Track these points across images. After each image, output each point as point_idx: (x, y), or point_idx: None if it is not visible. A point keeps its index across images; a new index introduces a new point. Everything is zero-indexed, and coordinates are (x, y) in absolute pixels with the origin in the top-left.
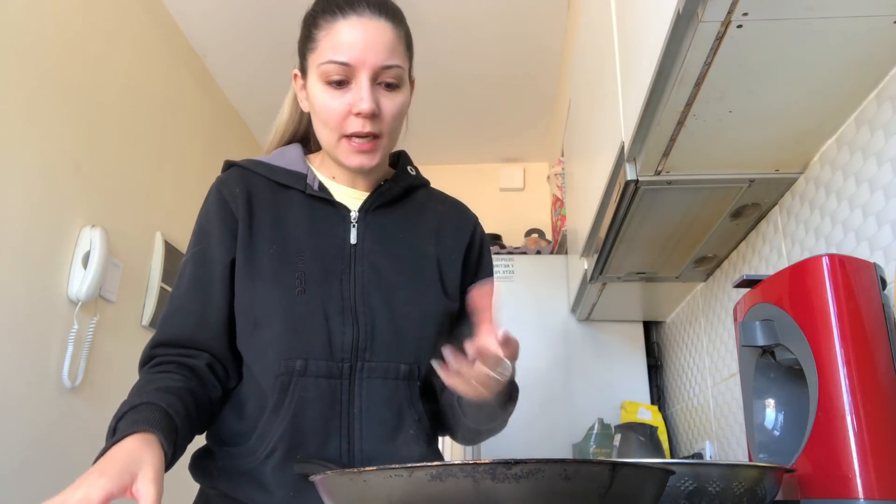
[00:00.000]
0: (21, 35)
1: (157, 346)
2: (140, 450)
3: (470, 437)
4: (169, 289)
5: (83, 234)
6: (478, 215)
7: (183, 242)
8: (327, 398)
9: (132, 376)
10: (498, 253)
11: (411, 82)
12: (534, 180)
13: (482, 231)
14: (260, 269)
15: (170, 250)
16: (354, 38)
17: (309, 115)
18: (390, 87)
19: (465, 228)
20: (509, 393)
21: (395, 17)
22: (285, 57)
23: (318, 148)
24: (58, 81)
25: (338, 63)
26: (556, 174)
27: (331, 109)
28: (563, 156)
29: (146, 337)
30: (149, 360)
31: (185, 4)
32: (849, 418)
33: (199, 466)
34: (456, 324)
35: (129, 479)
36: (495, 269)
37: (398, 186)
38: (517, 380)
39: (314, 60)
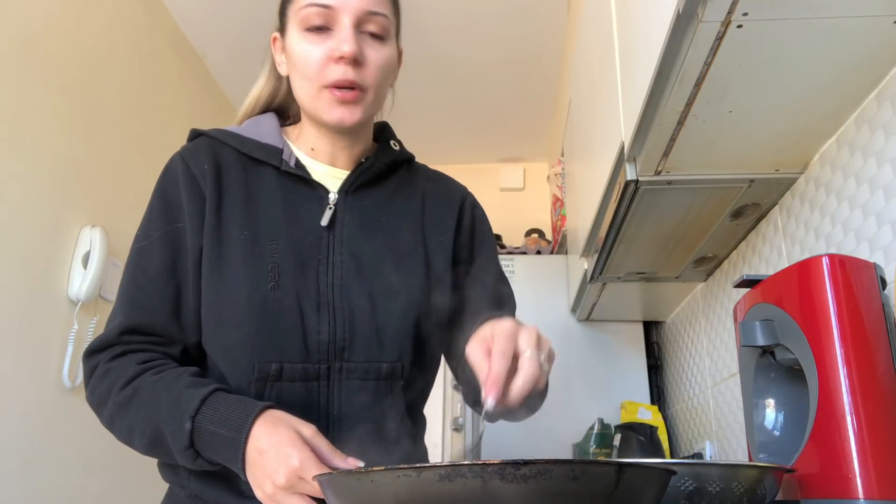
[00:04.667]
0: (21, 35)
1: (126, 333)
2: (277, 421)
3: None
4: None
5: (83, 234)
6: None
7: None
8: (304, 403)
9: None
10: (498, 253)
11: (399, 51)
12: (534, 180)
13: (473, 203)
14: (229, 259)
15: None
16: None
17: (287, 84)
18: (375, 37)
19: (453, 205)
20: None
21: None
22: None
23: (296, 121)
24: (58, 81)
25: (318, 5)
26: (556, 174)
27: (310, 56)
28: (563, 156)
29: None
30: (110, 345)
31: (185, 5)
32: (849, 418)
33: (168, 468)
34: (454, 316)
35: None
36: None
37: (381, 163)
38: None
39: (294, 8)
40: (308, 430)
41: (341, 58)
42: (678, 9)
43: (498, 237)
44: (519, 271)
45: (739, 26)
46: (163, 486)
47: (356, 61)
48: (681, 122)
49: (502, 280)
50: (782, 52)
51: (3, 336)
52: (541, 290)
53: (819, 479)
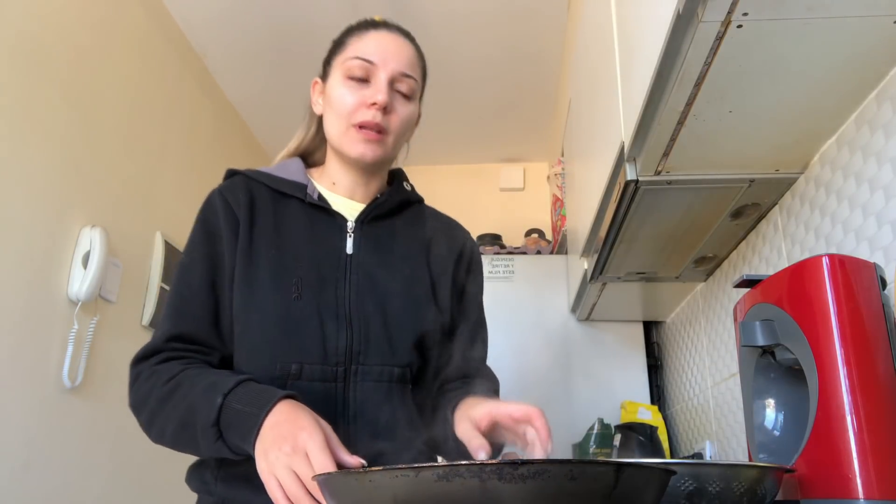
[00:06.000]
0: (21, 35)
1: (171, 340)
2: (299, 407)
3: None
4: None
5: (83, 234)
6: (478, 215)
7: (183, 242)
8: (322, 402)
9: None
10: (498, 253)
11: (419, 113)
12: (534, 180)
13: (472, 247)
14: (258, 274)
15: (170, 250)
16: (382, 45)
17: (317, 129)
18: (403, 96)
19: (456, 245)
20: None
21: (417, 46)
22: (285, 57)
23: (320, 163)
24: (58, 81)
25: (362, 59)
26: (556, 174)
27: (346, 99)
28: (563, 156)
29: (146, 337)
30: (158, 352)
31: (185, 5)
32: (849, 418)
33: (196, 476)
34: (448, 339)
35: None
36: (495, 270)
37: (393, 200)
38: (516, 379)
39: (340, 59)
40: (324, 423)
41: (374, 104)
42: (678, 9)
43: (498, 237)
44: (519, 271)
45: (739, 26)
46: (163, 487)
47: (385, 109)
48: (681, 122)
49: (481, 324)
50: (782, 53)
51: (3, 336)
52: (541, 290)
53: (819, 479)
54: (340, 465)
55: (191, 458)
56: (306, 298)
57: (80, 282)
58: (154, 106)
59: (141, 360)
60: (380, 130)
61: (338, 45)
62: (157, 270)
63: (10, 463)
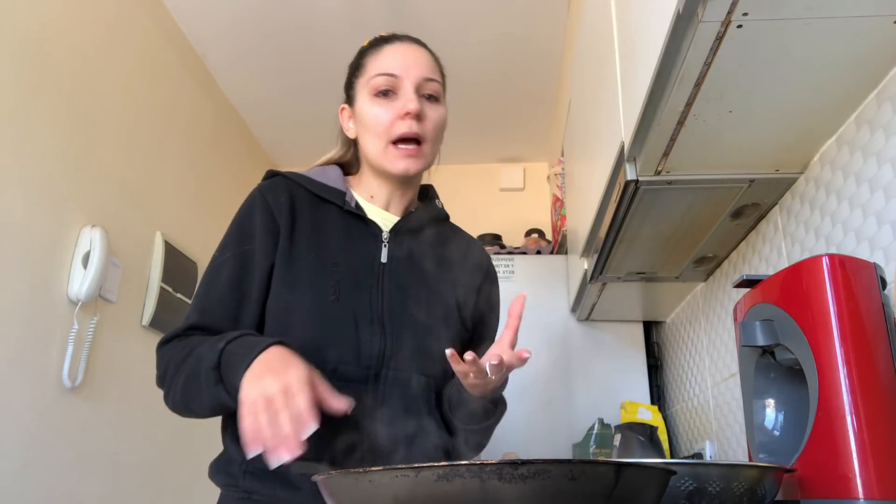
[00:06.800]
0: (21, 35)
1: (193, 329)
2: (291, 353)
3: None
4: (169, 289)
5: (83, 234)
6: (478, 215)
7: (183, 242)
8: (355, 400)
9: (132, 376)
10: (498, 253)
11: (446, 110)
12: (534, 180)
13: (493, 269)
14: (297, 276)
15: (170, 250)
16: (400, 56)
17: (352, 147)
18: (431, 99)
19: (481, 265)
20: (495, 402)
21: (431, 50)
22: (285, 58)
23: (356, 171)
24: (58, 81)
25: (386, 74)
26: (556, 174)
27: (380, 116)
28: (563, 156)
29: (146, 337)
30: (178, 336)
31: (185, 4)
32: (849, 418)
33: (222, 470)
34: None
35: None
36: (495, 270)
37: (427, 214)
38: (516, 379)
39: (363, 81)
40: (314, 369)
41: (407, 113)
42: (678, 9)
43: (498, 237)
44: (519, 271)
45: (739, 26)
46: (163, 487)
47: (419, 116)
48: (681, 122)
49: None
50: (782, 52)
51: (3, 336)
52: (541, 290)
53: (819, 479)
54: (325, 410)
55: (199, 457)
56: (343, 302)
57: (80, 282)
58: (154, 106)
59: (164, 343)
60: (418, 141)
61: (356, 68)
62: (157, 270)
63: (10, 463)
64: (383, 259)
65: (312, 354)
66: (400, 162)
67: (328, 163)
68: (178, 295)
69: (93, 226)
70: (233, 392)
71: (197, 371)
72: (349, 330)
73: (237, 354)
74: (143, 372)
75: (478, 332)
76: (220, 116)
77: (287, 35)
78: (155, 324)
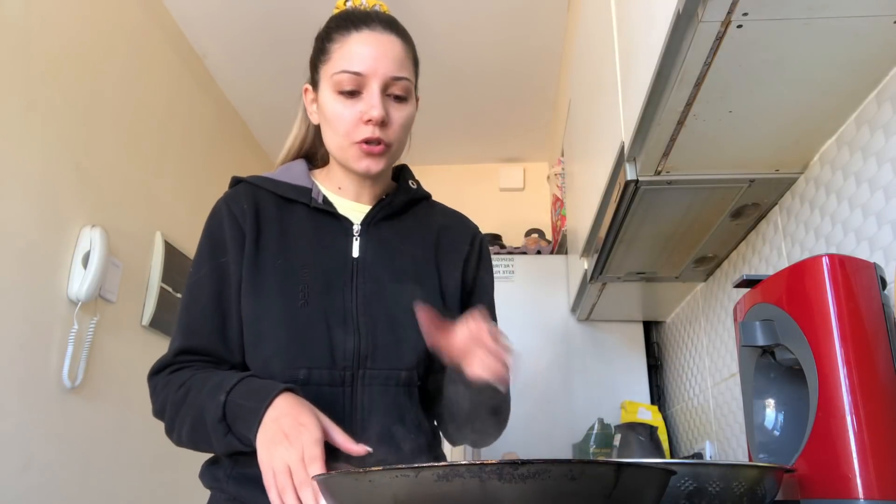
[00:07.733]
0: (21, 35)
1: (181, 354)
2: (299, 401)
3: (461, 428)
4: (169, 289)
5: (83, 234)
6: (478, 215)
7: (183, 242)
8: (329, 406)
9: (132, 376)
10: (498, 253)
11: (416, 98)
12: (534, 180)
13: (482, 239)
14: (264, 283)
15: (170, 250)
16: (366, 51)
17: (315, 129)
18: (398, 99)
19: (464, 239)
20: (505, 397)
21: (404, 35)
22: (285, 57)
23: (323, 163)
24: (58, 81)
25: (350, 73)
26: (556, 174)
27: (343, 118)
28: (563, 156)
29: (146, 337)
30: (169, 365)
31: (185, 4)
32: (849, 418)
33: (210, 473)
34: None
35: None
36: (495, 270)
37: (400, 199)
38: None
39: (327, 71)
40: (324, 417)
41: (369, 120)
42: (678, 9)
43: (498, 237)
44: (519, 271)
45: (739, 26)
46: (163, 487)
47: (383, 122)
48: (681, 122)
49: (492, 316)
50: (782, 52)
51: (3, 336)
52: (541, 290)
53: (819, 479)
54: (342, 455)
55: (199, 457)
56: (313, 304)
57: (80, 282)
58: (154, 106)
59: (155, 373)
60: (381, 143)
61: (321, 50)
62: (157, 270)
63: (10, 463)
64: (355, 254)
65: (286, 362)
66: (362, 161)
67: (294, 153)
68: (178, 295)
69: (93, 226)
70: (245, 441)
71: (201, 421)
72: (321, 333)
73: (243, 408)
74: (143, 372)
75: (472, 304)
76: (220, 116)
77: (287, 35)
78: (155, 324)
